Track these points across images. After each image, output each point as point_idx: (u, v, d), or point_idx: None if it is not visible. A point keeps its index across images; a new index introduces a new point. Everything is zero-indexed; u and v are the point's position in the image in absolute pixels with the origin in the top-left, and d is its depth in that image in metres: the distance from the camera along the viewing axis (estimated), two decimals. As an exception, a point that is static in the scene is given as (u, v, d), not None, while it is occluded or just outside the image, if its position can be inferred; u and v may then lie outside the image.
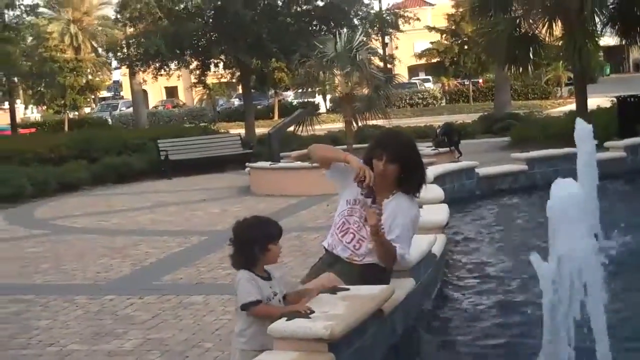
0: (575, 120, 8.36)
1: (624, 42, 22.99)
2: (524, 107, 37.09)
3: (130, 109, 41.35)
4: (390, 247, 5.00)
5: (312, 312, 4.34)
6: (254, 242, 4.47)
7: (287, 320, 4.26)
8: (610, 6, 20.81)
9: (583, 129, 8.07)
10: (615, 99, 20.39)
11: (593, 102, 24.04)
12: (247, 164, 17.83)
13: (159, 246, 10.88)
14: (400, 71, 47.18)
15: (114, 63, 40.64)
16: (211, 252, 10.10)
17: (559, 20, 20.77)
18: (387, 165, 5.07)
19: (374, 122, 19.84)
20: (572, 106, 23.69)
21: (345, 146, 17.99)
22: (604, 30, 22.59)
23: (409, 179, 5.16)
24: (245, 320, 4.45)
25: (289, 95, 51.74)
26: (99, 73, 48.69)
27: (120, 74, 61.25)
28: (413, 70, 65.27)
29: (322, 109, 38.34)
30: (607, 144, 13.47)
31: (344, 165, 5.15)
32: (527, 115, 28.16)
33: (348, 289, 4.77)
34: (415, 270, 5.78)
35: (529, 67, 22.87)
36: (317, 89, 20.97)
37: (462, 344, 5.43)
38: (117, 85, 74.90)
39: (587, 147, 8.13)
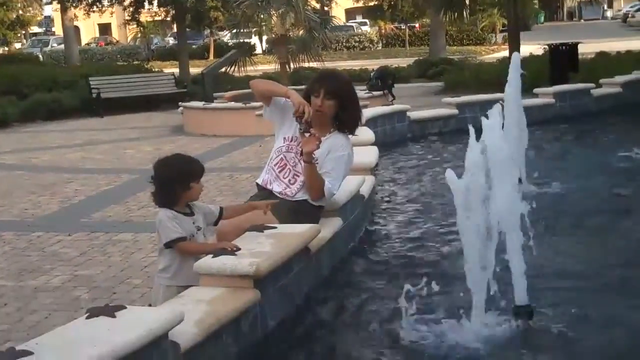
0: (506, 67, 8.51)
1: (558, -10, 23.21)
2: (458, 53, 37.29)
3: (62, 46, 40.39)
4: (319, 178, 5.13)
5: (239, 249, 4.39)
6: (175, 180, 4.49)
7: (213, 257, 4.31)
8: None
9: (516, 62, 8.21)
10: (547, 47, 20.64)
11: (526, 50, 24.29)
12: (180, 103, 17.67)
13: (88, 184, 10.79)
14: (338, 14, 46.91)
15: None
16: (141, 190, 10.01)
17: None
18: (325, 101, 5.18)
19: (309, 64, 19.77)
20: (506, 53, 23.89)
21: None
22: (539, -22, 22.83)
23: (346, 116, 5.27)
24: (169, 257, 4.50)
25: (225, 35, 51.14)
26: (30, 8, 47.47)
27: (52, 10, 59.72)
28: (350, 13, 64.99)
29: (258, 50, 38.05)
30: (536, 90, 13.70)
31: (284, 100, 5.21)
32: (461, 61, 28.33)
33: (275, 227, 4.84)
34: (342, 210, 5.86)
35: (465, 13, 23.00)
36: (254, 29, 20.79)
37: (389, 276, 5.54)
38: (48, 21, 73.05)
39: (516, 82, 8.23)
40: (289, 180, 5.20)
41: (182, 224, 4.49)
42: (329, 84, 5.26)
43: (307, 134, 5.02)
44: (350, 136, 5.44)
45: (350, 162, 5.44)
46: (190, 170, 4.57)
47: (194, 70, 27.86)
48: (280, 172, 5.25)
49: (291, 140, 5.27)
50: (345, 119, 5.33)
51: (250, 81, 5.51)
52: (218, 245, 4.53)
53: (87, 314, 3.45)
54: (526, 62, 20.03)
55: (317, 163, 5.14)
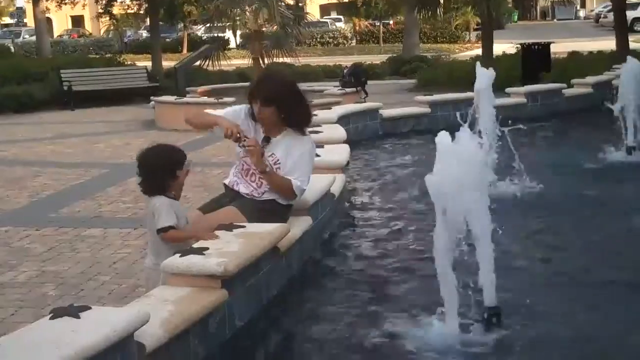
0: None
1: (531, -10, 23.34)
2: (432, 50, 37.37)
3: (34, 37, 40.02)
4: (283, 180, 5.12)
5: (217, 237, 4.53)
6: (162, 169, 4.61)
7: (180, 256, 4.28)
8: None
9: (483, 75, 8.25)
10: (520, 46, 20.74)
11: (499, 48, 24.42)
12: (152, 97, 17.56)
13: (58, 178, 10.69)
14: (312, 10, 46.93)
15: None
16: (111, 185, 9.99)
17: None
18: (263, 108, 5.13)
19: (283, 59, 19.71)
20: (479, 51, 23.98)
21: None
22: (512, -23, 22.96)
23: (292, 118, 5.22)
24: (170, 246, 4.58)
25: (199, 29, 50.92)
26: (1, -1, 47.01)
27: (24, 1, 59.15)
28: (325, 9, 64.97)
29: (232, 45, 37.93)
30: (508, 90, 13.74)
31: (225, 112, 5.24)
32: (434, 59, 28.39)
33: (244, 227, 4.81)
34: (313, 209, 5.85)
35: (439, 11, 23.06)
36: (227, 24, 20.71)
37: (359, 275, 5.54)
38: (20, 12, 72.12)
39: (487, 93, 8.31)
40: (256, 183, 5.18)
41: (177, 210, 4.64)
42: (264, 90, 5.16)
43: (245, 147, 5.03)
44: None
45: (313, 155, 5.41)
46: (175, 158, 4.69)
47: (167, 63, 27.73)
48: (245, 176, 5.23)
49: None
50: (292, 120, 5.25)
51: (185, 119, 5.36)
52: (198, 235, 4.61)
53: (50, 315, 3.41)
54: (499, 60, 20.24)
55: (280, 164, 5.14)
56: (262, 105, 5.13)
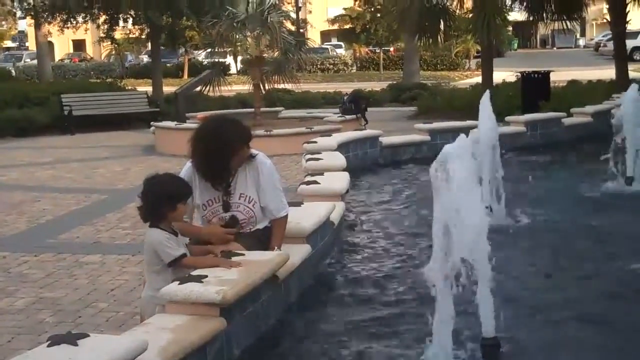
0: (479, 93, 8.59)
1: (531, 18, 23.45)
2: (432, 78, 37.50)
3: (35, 61, 40.15)
4: (282, 231, 5.26)
5: (241, 265, 4.53)
6: (163, 199, 4.60)
7: (179, 284, 4.27)
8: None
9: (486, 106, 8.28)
10: (519, 75, 20.80)
11: (499, 76, 24.50)
12: (152, 122, 17.59)
13: (57, 203, 10.69)
14: (313, 36, 47.10)
15: (19, 12, 39.37)
16: (111, 211, 9.98)
17: (470, -6, 21.04)
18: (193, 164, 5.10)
19: (283, 85, 19.73)
20: (479, 79, 24.05)
21: (252, 109, 17.94)
22: (513, 6, 23.05)
23: (215, 162, 5.06)
24: (169, 277, 4.53)
25: (200, 54, 51.05)
26: (4, 22, 47.16)
27: (26, 24, 59.39)
28: (325, 36, 65.16)
29: (233, 70, 38.05)
30: (508, 118, 13.76)
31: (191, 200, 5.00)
32: (434, 86, 28.47)
33: (243, 254, 4.80)
34: (312, 237, 5.84)
35: (439, 39, 23.10)
36: (229, 49, 20.76)
37: (358, 302, 5.54)
38: (22, 36, 72.75)
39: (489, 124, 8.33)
40: (247, 230, 5.21)
41: (177, 243, 4.63)
42: (193, 158, 5.13)
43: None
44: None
45: (273, 169, 5.30)
46: (177, 190, 4.69)
47: (168, 89, 27.81)
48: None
49: (209, 205, 5.17)
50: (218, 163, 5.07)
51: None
52: (219, 262, 4.61)
53: (48, 342, 3.40)
54: (498, 88, 20.29)
55: (254, 200, 5.16)
56: (192, 162, 5.12)
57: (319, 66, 50.20)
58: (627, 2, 21.64)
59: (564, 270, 6.37)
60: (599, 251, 6.86)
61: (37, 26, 31.38)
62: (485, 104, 8.30)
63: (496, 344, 4.39)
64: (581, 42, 73.63)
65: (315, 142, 10.69)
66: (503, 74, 26.49)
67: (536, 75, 19.51)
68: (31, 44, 60.43)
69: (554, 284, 5.95)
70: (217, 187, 5.11)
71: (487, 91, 8.59)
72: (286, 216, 5.31)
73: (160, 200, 4.60)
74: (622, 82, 18.50)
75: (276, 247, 5.15)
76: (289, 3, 31.57)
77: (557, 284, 5.98)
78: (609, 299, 5.54)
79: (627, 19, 21.98)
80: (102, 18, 29.55)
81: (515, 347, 4.54)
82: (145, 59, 52.67)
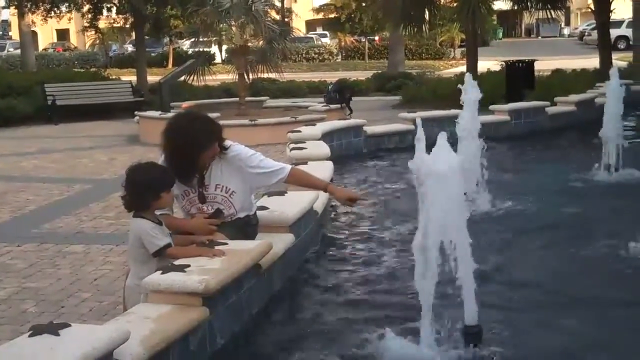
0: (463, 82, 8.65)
1: (516, 7, 23.49)
2: (417, 67, 37.48)
3: (19, 51, 39.89)
4: (302, 181, 5.54)
5: (224, 254, 4.52)
6: (147, 188, 4.59)
7: (162, 273, 4.27)
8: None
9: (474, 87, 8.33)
10: (504, 64, 20.84)
11: (484, 65, 24.51)
12: (136, 112, 17.53)
13: (40, 193, 10.65)
14: (298, 25, 47.08)
15: (2, 1, 39.13)
16: (94, 201, 9.96)
17: (454, -18, 21.05)
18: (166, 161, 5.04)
19: (268, 75, 19.71)
20: (464, 68, 24.07)
21: (237, 98, 17.93)
22: (497, -6, 23.09)
23: (182, 161, 5.02)
24: (154, 266, 4.52)
25: (184, 44, 50.90)
26: (-14, 11, 46.85)
27: (9, 14, 59.00)
28: (311, 25, 65.09)
29: (218, 59, 37.93)
30: (492, 107, 13.79)
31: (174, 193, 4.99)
32: (419, 75, 28.47)
33: (226, 244, 4.80)
34: (295, 226, 5.84)
35: (424, 28, 23.10)
36: (213, 38, 20.67)
37: (340, 292, 5.55)
38: (5, 25, 72.24)
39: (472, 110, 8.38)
40: (227, 218, 5.18)
41: (161, 232, 4.61)
42: (164, 152, 5.10)
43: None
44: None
45: (247, 150, 5.24)
46: (161, 179, 4.67)
47: (152, 78, 27.69)
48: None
49: (187, 194, 5.14)
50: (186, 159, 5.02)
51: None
52: (204, 252, 4.59)
53: (30, 332, 3.39)
54: (483, 77, 20.32)
55: (234, 191, 5.12)
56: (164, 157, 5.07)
57: (304, 55, 50.20)
58: (611, -9, 21.74)
59: (543, 257, 6.41)
60: (578, 239, 6.91)
61: (21, 15, 31.11)
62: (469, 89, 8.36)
63: (479, 332, 4.40)
64: (566, 31, 73.77)
65: (300, 131, 10.69)
66: (488, 63, 26.52)
67: (521, 65, 19.55)
68: (14, 33, 60.06)
69: (535, 272, 5.99)
70: (184, 182, 5.07)
71: (468, 74, 8.63)
72: (294, 167, 5.45)
73: (144, 189, 4.59)
74: (606, 71, 18.55)
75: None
76: (274, -8, 31.36)
77: (538, 271, 6.01)
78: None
79: (611, 9, 22.06)
80: (86, 7, 29.42)
81: (496, 335, 4.56)
82: (129, 48, 52.46)
